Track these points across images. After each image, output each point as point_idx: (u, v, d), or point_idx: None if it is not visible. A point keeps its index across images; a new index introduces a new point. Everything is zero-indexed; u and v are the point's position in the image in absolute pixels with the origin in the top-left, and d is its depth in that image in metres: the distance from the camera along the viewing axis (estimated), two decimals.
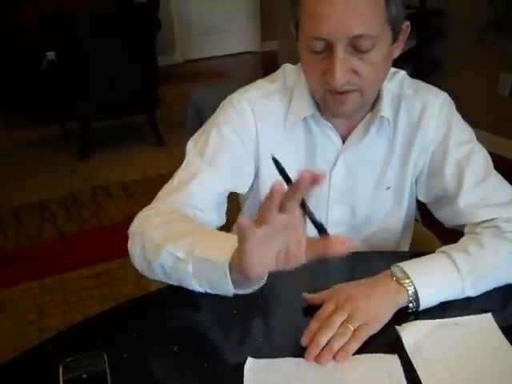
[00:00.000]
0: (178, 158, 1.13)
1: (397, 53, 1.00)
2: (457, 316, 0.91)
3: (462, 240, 1.02)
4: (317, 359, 0.82)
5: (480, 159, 1.08)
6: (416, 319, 0.91)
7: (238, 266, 0.77)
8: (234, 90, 1.15)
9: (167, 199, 1.04)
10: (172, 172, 1.11)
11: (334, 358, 0.83)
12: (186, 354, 0.87)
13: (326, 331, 0.85)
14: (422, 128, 1.09)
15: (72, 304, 2.30)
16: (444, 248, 0.99)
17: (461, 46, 3.58)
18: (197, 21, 6.15)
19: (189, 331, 0.91)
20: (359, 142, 1.08)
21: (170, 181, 1.08)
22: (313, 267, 1.07)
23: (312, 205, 1.12)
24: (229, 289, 0.82)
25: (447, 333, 0.88)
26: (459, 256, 0.95)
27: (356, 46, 0.90)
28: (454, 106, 1.12)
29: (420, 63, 3.75)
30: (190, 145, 1.11)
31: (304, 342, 0.86)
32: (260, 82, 1.14)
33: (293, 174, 1.09)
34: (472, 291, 0.94)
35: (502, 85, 3.36)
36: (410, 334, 0.87)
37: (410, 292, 0.90)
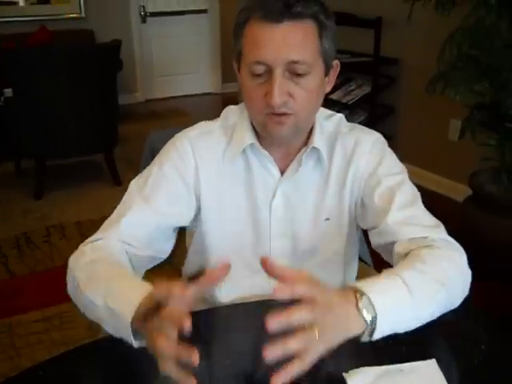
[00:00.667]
0: None
1: (328, 88, 1.11)
2: (402, 362, 0.92)
3: (407, 260, 1.00)
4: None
5: (409, 189, 1.13)
6: (363, 365, 0.91)
7: (140, 326, 0.83)
8: None
9: (104, 233, 1.08)
10: None
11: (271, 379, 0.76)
12: None
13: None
14: (355, 162, 1.15)
15: (20, 349, 2.22)
16: (395, 271, 0.95)
17: (413, 93, 3.72)
18: (159, 61, 6.21)
19: (139, 375, 0.90)
20: (295, 174, 1.14)
21: (113, 213, 1.13)
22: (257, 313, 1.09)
23: (254, 241, 1.15)
24: (132, 341, 0.86)
25: (393, 379, 0.88)
26: (409, 276, 0.93)
27: (292, 71, 1.01)
28: (386, 145, 1.19)
29: (374, 108, 3.87)
30: (132, 182, 1.17)
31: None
32: (203, 123, 1.21)
33: (234, 206, 1.15)
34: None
35: (452, 130, 3.48)
36: (357, 381, 0.87)
37: (368, 328, 0.86)
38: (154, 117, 5.64)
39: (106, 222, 1.11)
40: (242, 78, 1.08)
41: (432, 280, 0.94)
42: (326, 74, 1.08)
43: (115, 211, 1.13)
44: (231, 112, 1.21)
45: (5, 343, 2.27)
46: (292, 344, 0.77)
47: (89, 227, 3.24)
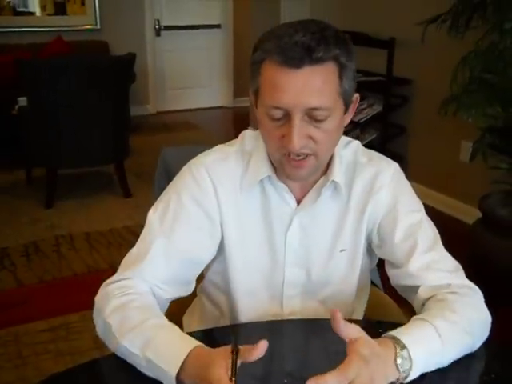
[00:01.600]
0: (145, 210, 1.14)
1: (347, 120, 1.08)
2: None
3: (438, 308, 1.01)
4: None
5: (429, 229, 1.12)
6: None
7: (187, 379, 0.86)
8: (201, 152, 1.18)
9: (127, 273, 1.06)
10: (138, 224, 1.13)
11: None
12: None
13: None
14: (375, 193, 1.14)
15: (26, 358, 2.22)
16: (428, 318, 0.98)
17: (425, 114, 3.72)
18: (171, 74, 6.26)
19: None
20: (313, 204, 1.12)
21: (135, 246, 1.10)
22: (268, 332, 1.09)
23: (269, 267, 1.15)
24: None
25: None
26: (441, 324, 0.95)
27: (312, 116, 0.98)
28: (403, 176, 1.18)
29: (386, 128, 3.87)
30: (150, 212, 1.12)
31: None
32: (218, 147, 1.18)
33: (250, 234, 1.13)
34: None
35: (463, 152, 3.48)
36: None
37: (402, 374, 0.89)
38: (165, 129, 5.68)
39: (128, 260, 1.08)
40: (259, 114, 1.05)
41: (461, 331, 0.97)
42: (346, 110, 1.05)
43: (136, 247, 1.10)
44: (248, 137, 1.17)
45: (11, 351, 2.27)
46: None
47: (97, 238, 3.25)
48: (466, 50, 2.65)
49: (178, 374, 0.85)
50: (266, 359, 0.93)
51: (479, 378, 0.99)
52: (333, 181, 1.11)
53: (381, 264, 1.23)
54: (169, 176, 1.48)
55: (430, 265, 1.08)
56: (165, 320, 0.98)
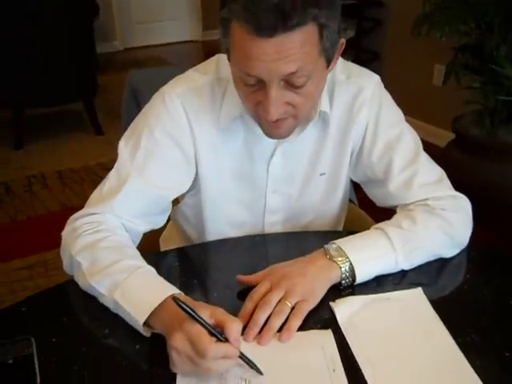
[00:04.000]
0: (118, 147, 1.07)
1: (332, 68, 0.97)
2: (388, 291, 0.93)
3: (395, 216, 1.05)
4: (258, 340, 0.82)
5: (409, 141, 1.10)
6: (349, 295, 0.92)
7: (153, 327, 0.82)
8: (170, 74, 1.11)
9: (97, 208, 1.01)
10: (111, 161, 1.06)
11: (279, 338, 0.83)
12: (117, 336, 0.85)
13: (263, 310, 0.85)
14: (356, 113, 1.09)
15: (4, 296, 2.22)
16: (378, 224, 1.01)
17: (398, 38, 3.66)
18: (137, 7, 6.03)
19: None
20: (297, 136, 1.07)
21: (103, 182, 1.04)
22: (249, 247, 1.09)
23: (249, 196, 1.13)
24: (141, 331, 0.83)
25: (379, 308, 0.89)
26: (393, 231, 0.98)
27: (290, 82, 0.88)
28: (383, 88, 1.13)
29: (359, 53, 3.82)
30: (121, 144, 1.06)
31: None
32: (191, 73, 1.08)
33: (228, 169, 1.09)
34: (405, 264, 0.97)
35: (436, 75, 3.46)
36: (343, 309, 0.88)
37: (343, 269, 0.92)
38: (135, 66, 5.51)
39: (97, 195, 1.03)
40: (233, 74, 0.94)
41: (424, 237, 0.99)
42: (328, 64, 0.93)
43: (107, 182, 1.03)
44: (223, 62, 1.04)
45: None
46: (274, 324, 0.84)
47: (70, 176, 3.20)
48: None
49: (148, 319, 0.81)
50: (244, 272, 0.94)
51: (452, 277, 1.01)
52: (321, 111, 1.06)
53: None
54: (136, 99, 1.43)
55: (409, 181, 1.07)
56: (139, 261, 0.92)
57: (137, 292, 0.85)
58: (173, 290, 0.84)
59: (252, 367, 0.77)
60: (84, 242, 0.95)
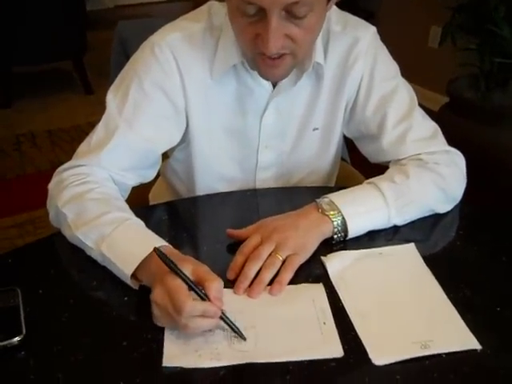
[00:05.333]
0: None
1: (331, 7, 0.95)
2: (381, 247, 0.92)
3: (388, 171, 1.03)
4: (248, 293, 0.81)
5: (404, 95, 1.08)
6: (341, 250, 0.91)
7: (140, 279, 0.80)
8: (160, 25, 1.06)
9: (84, 160, 0.98)
10: None
11: (269, 291, 0.82)
12: (105, 289, 0.84)
13: (254, 262, 0.84)
14: (351, 66, 1.06)
15: None
16: (370, 179, 0.99)
17: None
18: None
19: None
20: (291, 88, 1.04)
21: (90, 135, 1.01)
22: (240, 202, 1.08)
23: (241, 152, 1.10)
24: (132, 286, 0.82)
25: (371, 262, 0.88)
26: (386, 185, 0.96)
27: (291, 13, 0.84)
28: (379, 40, 1.10)
29: (355, 12, 3.74)
30: (109, 96, 1.02)
31: (230, 275, 0.84)
32: (182, 21, 1.04)
33: (219, 122, 1.06)
34: (398, 219, 0.95)
35: (432, 37, 3.41)
36: (335, 263, 0.87)
37: (335, 223, 0.91)
38: None
39: (85, 148, 0.99)
40: (229, 7, 0.91)
41: (416, 191, 0.97)
42: (328, 1, 0.90)
43: (95, 135, 0.99)
44: (216, 10, 1.02)
45: None
46: (265, 276, 0.83)
47: (60, 135, 3.16)
48: None
49: (135, 271, 0.80)
50: (234, 226, 0.93)
51: (445, 233, 1.00)
52: (316, 62, 1.02)
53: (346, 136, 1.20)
54: (126, 52, 1.39)
55: (403, 136, 1.05)
56: (127, 213, 0.90)
57: (124, 244, 0.83)
58: (161, 242, 0.82)
59: (235, 331, 0.75)
60: (70, 194, 0.92)
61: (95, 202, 0.90)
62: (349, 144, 1.26)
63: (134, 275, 0.80)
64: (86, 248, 0.87)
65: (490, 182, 2.52)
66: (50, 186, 0.98)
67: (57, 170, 0.99)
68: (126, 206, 0.93)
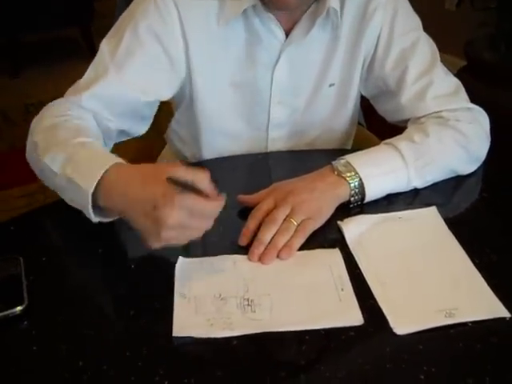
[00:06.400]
0: None
1: None
2: (400, 210, 0.87)
3: (407, 131, 0.98)
4: (261, 258, 0.77)
5: (425, 49, 1.02)
6: (358, 214, 0.86)
7: (104, 201, 0.75)
8: None
9: (69, 98, 0.95)
10: None
11: (278, 255, 0.78)
12: (111, 256, 0.80)
13: (269, 227, 0.79)
14: (369, 18, 1.00)
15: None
16: (388, 140, 0.94)
17: None
18: None
19: (113, 233, 0.83)
20: (304, 37, 0.98)
21: (81, 79, 0.97)
22: (251, 166, 1.03)
23: (252, 109, 1.05)
24: (90, 214, 0.77)
25: (390, 227, 0.84)
26: (404, 145, 0.91)
27: None
28: None
29: None
30: (104, 41, 0.98)
31: (242, 240, 0.80)
32: None
33: (227, 76, 1.00)
34: (418, 181, 0.90)
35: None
36: (352, 228, 0.82)
37: (352, 185, 0.86)
38: None
39: (72, 88, 0.97)
40: None
41: (437, 152, 0.92)
42: None
43: (85, 76, 0.96)
44: None
45: None
46: (279, 242, 0.78)
47: None
48: None
49: (97, 195, 0.75)
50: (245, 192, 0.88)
51: (468, 196, 0.95)
52: (331, 8, 0.95)
53: (363, 100, 1.15)
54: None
55: (423, 92, 0.99)
56: (96, 140, 0.86)
57: (86, 162, 0.78)
58: (117, 159, 0.77)
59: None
60: (46, 125, 0.89)
61: (67, 129, 0.86)
62: (365, 109, 1.21)
63: (100, 207, 0.76)
64: (52, 176, 0.81)
65: (509, 148, 2.45)
66: (32, 122, 0.94)
67: (43, 109, 0.96)
68: (100, 138, 0.90)
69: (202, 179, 0.69)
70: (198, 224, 0.70)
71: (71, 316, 0.70)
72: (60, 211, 0.90)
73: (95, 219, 0.77)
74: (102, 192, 0.74)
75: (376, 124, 1.13)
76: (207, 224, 0.70)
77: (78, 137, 0.83)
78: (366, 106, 1.16)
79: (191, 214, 0.68)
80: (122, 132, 1.00)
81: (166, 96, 1.02)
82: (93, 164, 0.77)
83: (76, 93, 0.94)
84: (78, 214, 0.85)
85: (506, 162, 1.02)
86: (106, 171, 0.74)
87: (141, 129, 1.03)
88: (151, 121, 1.04)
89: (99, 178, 0.74)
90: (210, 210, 0.69)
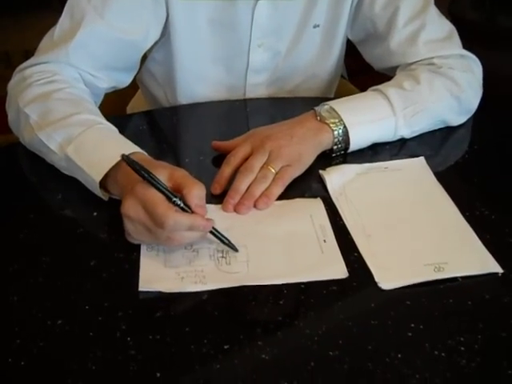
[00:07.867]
0: None
1: None
2: (386, 161, 0.82)
3: (396, 77, 0.92)
4: (236, 208, 0.71)
5: None
6: (342, 163, 0.80)
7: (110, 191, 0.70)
8: None
9: (49, 56, 0.84)
10: None
11: (255, 205, 0.72)
12: (71, 203, 0.73)
13: (246, 175, 0.73)
14: None
15: None
16: (376, 86, 0.87)
17: None
18: None
19: (74, 178, 0.75)
20: None
21: (52, 29, 0.87)
22: (228, 112, 0.96)
23: (230, 51, 0.97)
24: (100, 196, 0.71)
25: (376, 177, 0.78)
26: (393, 92, 0.85)
27: None
28: None
29: None
30: None
31: (214, 188, 0.74)
32: None
33: (204, 13, 0.92)
34: (406, 130, 0.85)
35: None
36: (335, 178, 0.77)
37: (335, 133, 0.80)
38: None
39: (48, 42, 0.86)
40: None
41: (426, 99, 0.86)
42: None
43: (58, 26, 0.85)
44: None
45: None
46: (256, 191, 0.73)
47: None
48: None
49: (105, 180, 0.69)
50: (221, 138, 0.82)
51: (458, 148, 0.90)
52: None
53: (346, 52, 1.08)
54: None
55: (414, 36, 0.93)
56: (99, 117, 0.78)
57: (94, 147, 0.71)
58: (134, 148, 0.70)
59: (226, 244, 0.65)
60: (35, 93, 0.79)
61: (63, 102, 0.78)
62: (347, 60, 1.13)
63: (103, 185, 0.69)
64: (48, 152, 0.75)
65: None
66: (10, 85, 0.85)
67: (17, 68, 0.86)
68: (98, 111, 0.80)
69: (194, 196, 0.62)
70: (151, 225, 0.61)
71: (25, 266, 0.63)
72: (16, 154, 0.84)
73: (106, 198, 0.71)
74: (108, 178, 0.69)
75: (359, 74, 1.06)
76: (162, 233, 0.61)
77: (80, 113, 0.76)
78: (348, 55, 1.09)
79: (145, 210, 0.61)
80: (108, 87, 0.91)
81: (153, 36, 0.92)
82: (101, 152, 0.70)
83: (55, 48, 0.84)
84: (36, 158, 0.78)
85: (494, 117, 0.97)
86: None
87: (127, 79, 0.95)
88: (136, 72, 0.95)
89: (107, 170, 0.68)
90: (161, 213, 0.59)
